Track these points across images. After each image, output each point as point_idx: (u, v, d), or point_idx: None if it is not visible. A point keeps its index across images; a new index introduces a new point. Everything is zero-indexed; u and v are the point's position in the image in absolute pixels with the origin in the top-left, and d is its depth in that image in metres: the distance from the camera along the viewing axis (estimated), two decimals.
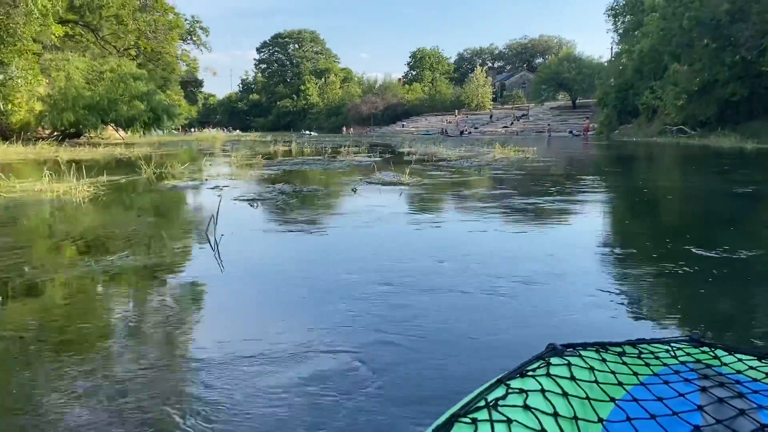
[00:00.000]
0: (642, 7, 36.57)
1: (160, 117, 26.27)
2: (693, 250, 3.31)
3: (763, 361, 0.91)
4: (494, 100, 69.11)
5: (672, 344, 0.99)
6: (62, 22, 30.67)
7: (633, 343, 0.99)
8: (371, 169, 9.07)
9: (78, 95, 22.24)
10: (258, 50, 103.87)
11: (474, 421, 0.72)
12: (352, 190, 6.65)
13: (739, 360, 0.91)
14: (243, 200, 5.73)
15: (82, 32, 33.74)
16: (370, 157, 14.40)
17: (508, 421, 0.71)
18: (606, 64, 49.20)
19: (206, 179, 7.77)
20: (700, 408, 0.78)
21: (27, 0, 20.24)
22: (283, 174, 9.44)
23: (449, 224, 4.51)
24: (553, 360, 0.89)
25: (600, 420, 0.76)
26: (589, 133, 42.65)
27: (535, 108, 59.34)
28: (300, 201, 5.81)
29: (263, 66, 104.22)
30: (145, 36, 31.40)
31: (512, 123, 55.58)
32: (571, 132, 44.23)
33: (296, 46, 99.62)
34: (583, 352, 0.92)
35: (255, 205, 5.41)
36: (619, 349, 0.96)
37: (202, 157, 9.85)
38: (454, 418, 0.73)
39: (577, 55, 56.94)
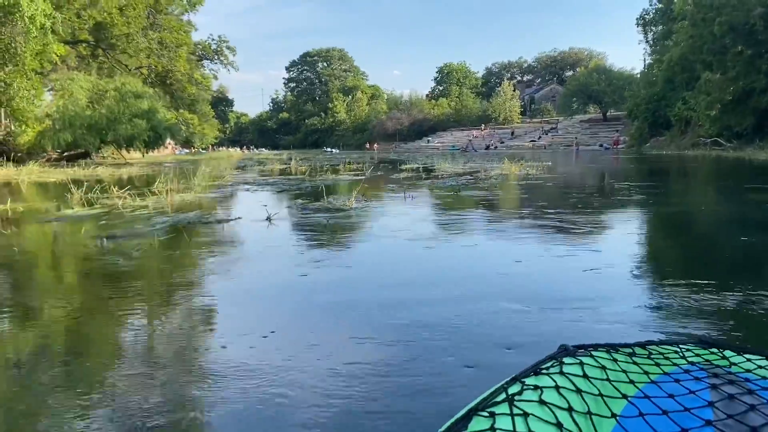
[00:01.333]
0: (672, 15, 34.80)
1: (162, 136, 25.63)
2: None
3: None
4: (523, 113, 67.50)
5: (681, 346, 0.98)
6: (75, 41, 30.74)
7: (642, 345, 0.99)
8: (319, 192, 7.94)
9: (76, 114, 21.76)
10: (287, 69, 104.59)
11: (492, 414, 0.73)
12: (268, 219, 5.52)
13: (748, 360, 0.91)
14: (108, 237, 4.61)
15: (107, 54, 33.86)
16: (356, 174, 13.35)
17: (525, 415, 0.73)
18: (638, 75, 47.36)
19: (120, 206, 6.71)
20: (711, 404, 0.79)
21: (24, 18, 20.02)
22: (220, 198, 8.42)
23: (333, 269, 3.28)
24: (566, 360, 0.90)
25: (613, 415, 0.78)
26: (619, 146, 40.90)
27: (564, 121, 57.54)
28: (185, 236, 4.66)
29: (292, 84, 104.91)
30: (154, 54, 31.13)
31: (540, 137, 53.87)
32: (601, 145, 42.36)
33: (325, 64, 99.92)
34: (594, 353, 0.93)
35: (103, 243, 4.29)
36: (629, 350, 0.97)
37: (165, 179, 8.84)
38: (472, 413, 0.74)
39: (607, 67, 55.02)
